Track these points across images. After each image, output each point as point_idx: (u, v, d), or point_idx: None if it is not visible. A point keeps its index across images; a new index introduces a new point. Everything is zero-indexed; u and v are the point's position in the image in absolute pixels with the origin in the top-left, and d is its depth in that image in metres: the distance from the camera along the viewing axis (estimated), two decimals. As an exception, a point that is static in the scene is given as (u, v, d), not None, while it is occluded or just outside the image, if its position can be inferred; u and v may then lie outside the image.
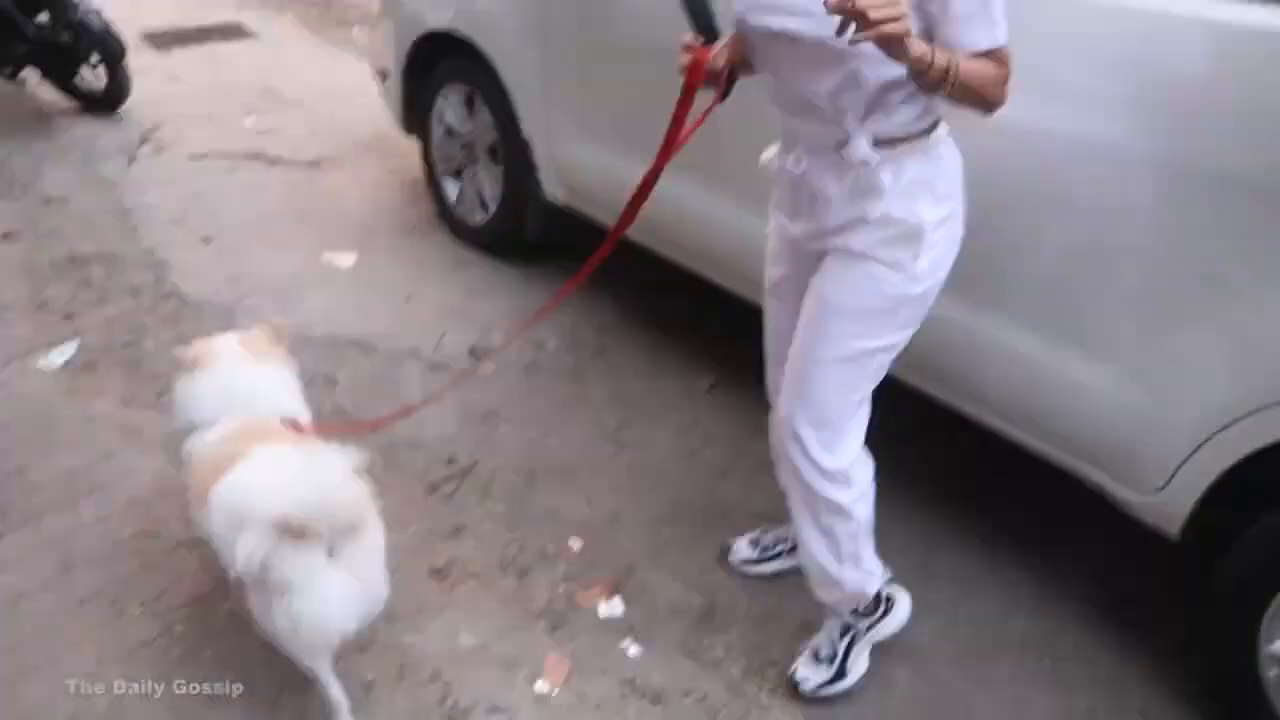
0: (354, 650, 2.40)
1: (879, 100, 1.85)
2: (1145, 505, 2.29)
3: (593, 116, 3.60)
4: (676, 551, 2.82)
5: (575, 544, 2.82)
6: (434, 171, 4.56)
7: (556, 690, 2.35)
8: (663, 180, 3.28)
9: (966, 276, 2.11)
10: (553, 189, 3.87)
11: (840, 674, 2.38)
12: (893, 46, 1.64)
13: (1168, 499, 2.22)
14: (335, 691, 2.14)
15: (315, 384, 3.42)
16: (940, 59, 1.70)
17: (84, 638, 2.38)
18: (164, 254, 4.21)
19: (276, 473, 1.96)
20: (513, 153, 3.97)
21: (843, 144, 1.91)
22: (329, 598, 1.96)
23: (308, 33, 7.61)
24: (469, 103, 4.21)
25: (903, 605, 2.44)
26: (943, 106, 1.92)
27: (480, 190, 4.32)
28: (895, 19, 1.59)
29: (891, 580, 2.43)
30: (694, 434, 3.31)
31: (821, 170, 1.98)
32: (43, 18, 5.45)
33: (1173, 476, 2.19)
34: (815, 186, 2.00)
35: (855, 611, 2.37)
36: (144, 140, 5.40)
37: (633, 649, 2.49)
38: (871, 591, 2.33)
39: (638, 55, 3.28)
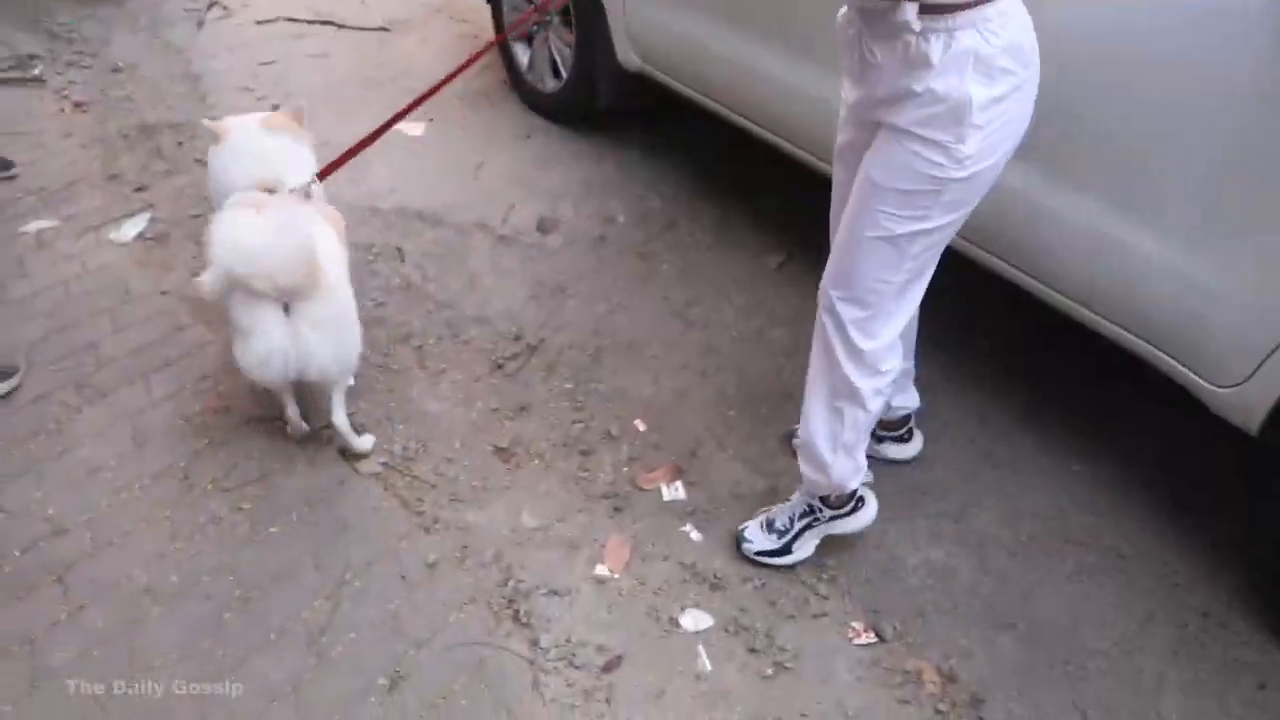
0: (418, 530, 2.42)
1: None
2: (1225, 399, 2.17)
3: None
4: (741, 434, 2.78)
5: (640, 424, 2.80)
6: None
7: (617, 574, 2.35)
8: (734, 39, 3.15)
9: (1041, 142, 1.98)
10: (626, 54, 3.72)
11: (785, 550, 2.38)
12: None
13: (1250, 393, 2.10)
14: (293, 415, 2.59)
15: (383, 256, 3.41)
16: None
17: (156, 512, 2.43)
18: (233, 123, 4.18)
19: (246, 232, 2.23)
20: (586, 16, 3.82)
21: (891, 6, 1.76)
22: (274, 347, 2.27)
23: (378, -113, 7.40)
24: (539, -37, 4.06)
25: (870, 509, 2.39)
26: None
27: (551, 56, 4.19)
28: None
29: (870, 484, 2.41)
30: (762, 312, 3.23)
31: (873, 35, 1.83)
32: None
33: (1257, 369, 2.06)
34: (865, 51, 1.87)
35: (825, 499, 2.34)
36: (211, 4, 5.33)
37: (694, 533, 2.48)
38: (851, 487, 2.29)
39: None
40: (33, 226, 3.46)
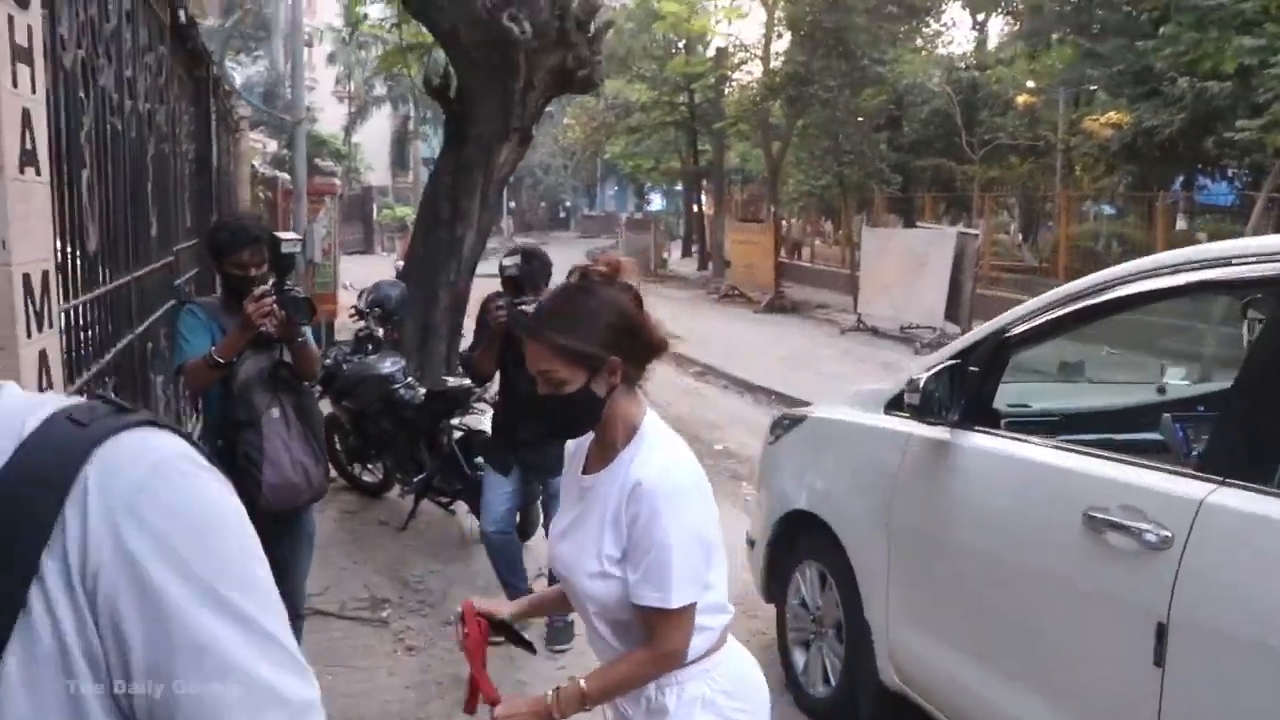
0: None
1: (627, 634, 2.17)
2: None
3: (931, 612, 3.76)
4: None
5: None
6: (785, 639, 4.83)
7: None
8: (999, 683, 3.34)
9: None
10: (888, 674, 3.99)
11: None
12: None
13: None
14: None
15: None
16: (569, 700, 2.10)
17: None
18: (531, 684, 4.68)
19: None
20: (854, 633, 4.17)
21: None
22: None
23: (701, 486, 8.34)
24: (823, 580, 4.51)
25: None
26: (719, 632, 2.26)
27: (824, 663, 4.50)
28: None
29: None
30: None
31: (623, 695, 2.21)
32: (479, 460, 6.48)
33: None
34: (618, 709, 2.26)
35: None
36: (539, 575, 6.11)
37: None
38: None
39: (979, 561, 3.48)
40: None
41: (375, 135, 48.46)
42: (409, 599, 5.61)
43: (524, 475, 5.17)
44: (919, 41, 27.37)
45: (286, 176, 18.65)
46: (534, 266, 4.95)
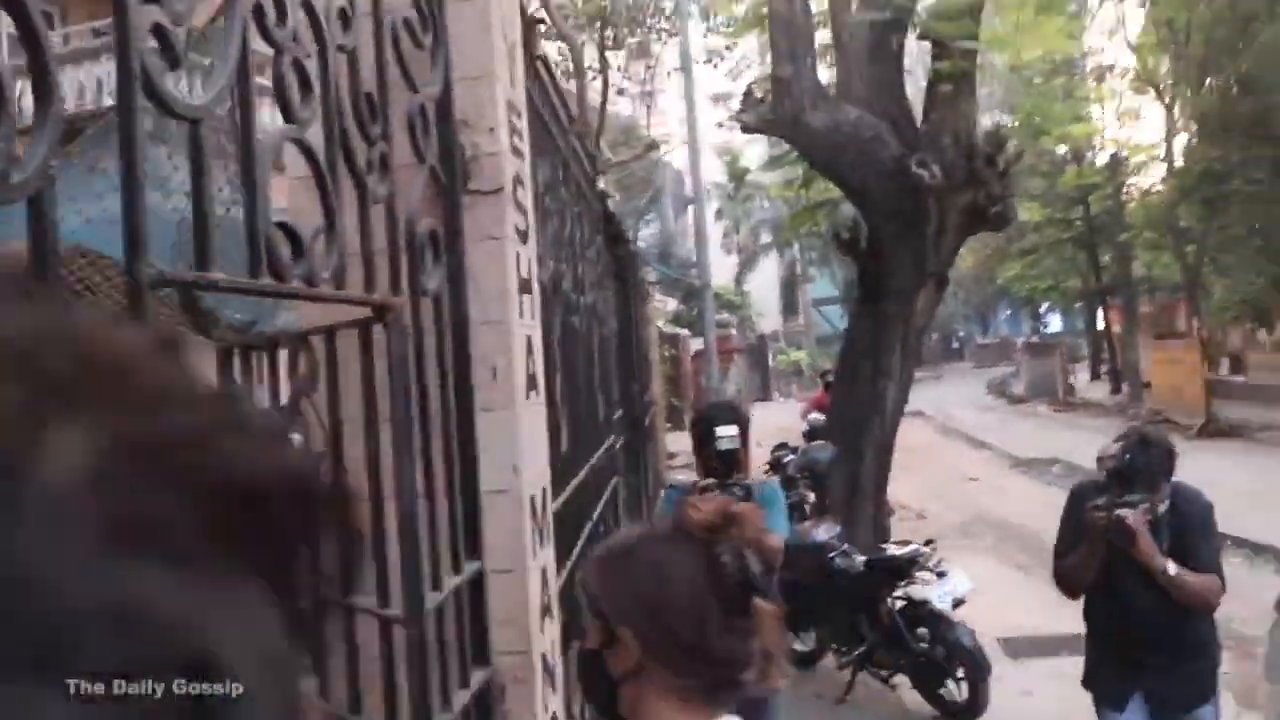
0: None
1: None
2: None
3: None
4: None
5: None
6: None
7: None
8: None
9: None
10: None
11: None
12: None
13: None
14: None
15: None
16: None
17: None
18: None
19: None
20: None
21: None
22: None
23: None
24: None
25: None
26: None
27: None
28: None
29: None
30: None
31: None
32: (923, 631, 6.12)
33: None
34: None
35: None
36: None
37: None
38: None
39: None
40: None
41: (764, 282, 49.68)
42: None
43: (1149, 710, 3.99)
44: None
45: (686, 333, 19.47)
46: (1150, 457, 3.73)
